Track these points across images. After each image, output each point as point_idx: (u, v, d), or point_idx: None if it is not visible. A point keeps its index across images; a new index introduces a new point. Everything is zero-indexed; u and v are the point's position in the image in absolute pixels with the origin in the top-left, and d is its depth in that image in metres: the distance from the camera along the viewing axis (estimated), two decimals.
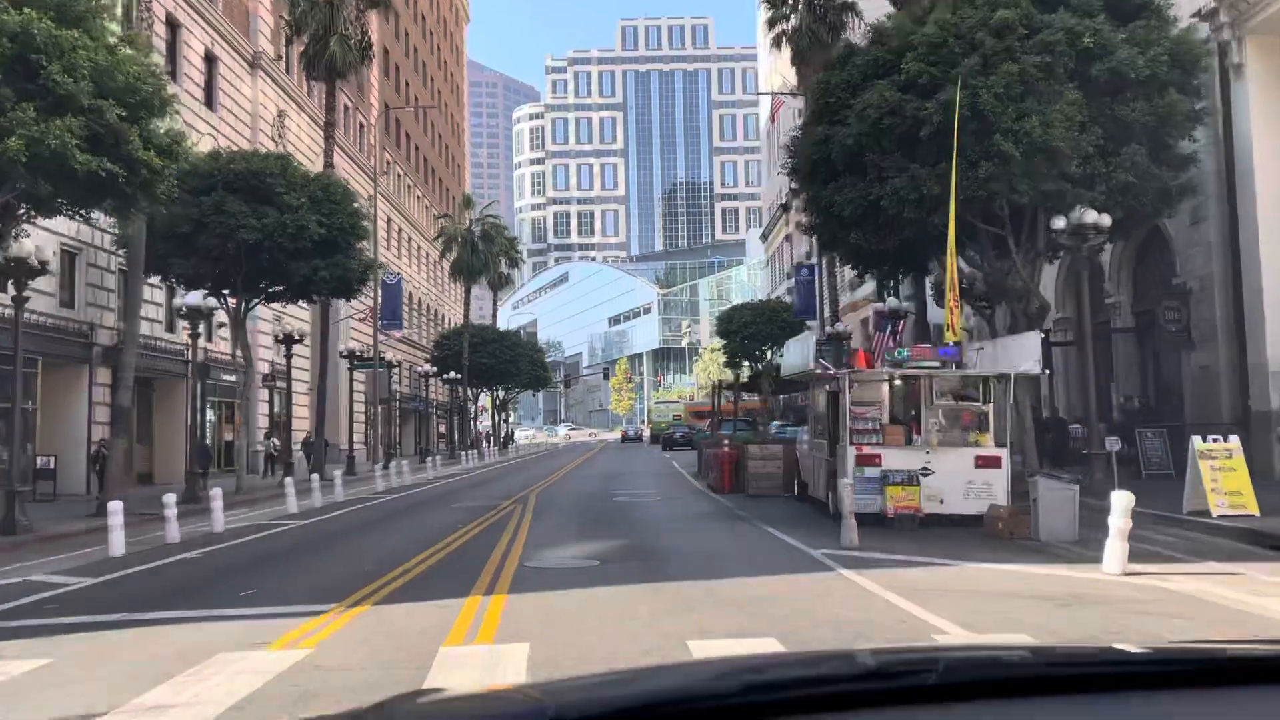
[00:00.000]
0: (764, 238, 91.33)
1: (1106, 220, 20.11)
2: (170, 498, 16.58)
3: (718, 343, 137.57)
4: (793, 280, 77.62)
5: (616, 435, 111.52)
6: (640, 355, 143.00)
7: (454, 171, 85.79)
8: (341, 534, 16.83)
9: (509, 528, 15.56)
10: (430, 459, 41.34)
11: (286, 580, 11.52)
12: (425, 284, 74.45)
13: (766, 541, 13.45)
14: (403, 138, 68.73)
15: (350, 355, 41.11)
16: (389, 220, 63.77)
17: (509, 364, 68.73)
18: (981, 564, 10.88)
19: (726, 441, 22.48)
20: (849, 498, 12.62)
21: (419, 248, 72.16)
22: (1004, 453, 14.72)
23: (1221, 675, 1.79)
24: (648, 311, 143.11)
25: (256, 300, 32.02)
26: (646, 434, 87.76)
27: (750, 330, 63.65)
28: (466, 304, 65.13)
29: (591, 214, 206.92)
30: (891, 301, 33.06)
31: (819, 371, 15.44)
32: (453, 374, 62.06)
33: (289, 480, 22.87)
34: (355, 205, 31.54)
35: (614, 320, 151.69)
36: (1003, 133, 19.08)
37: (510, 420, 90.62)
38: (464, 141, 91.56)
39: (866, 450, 14.59)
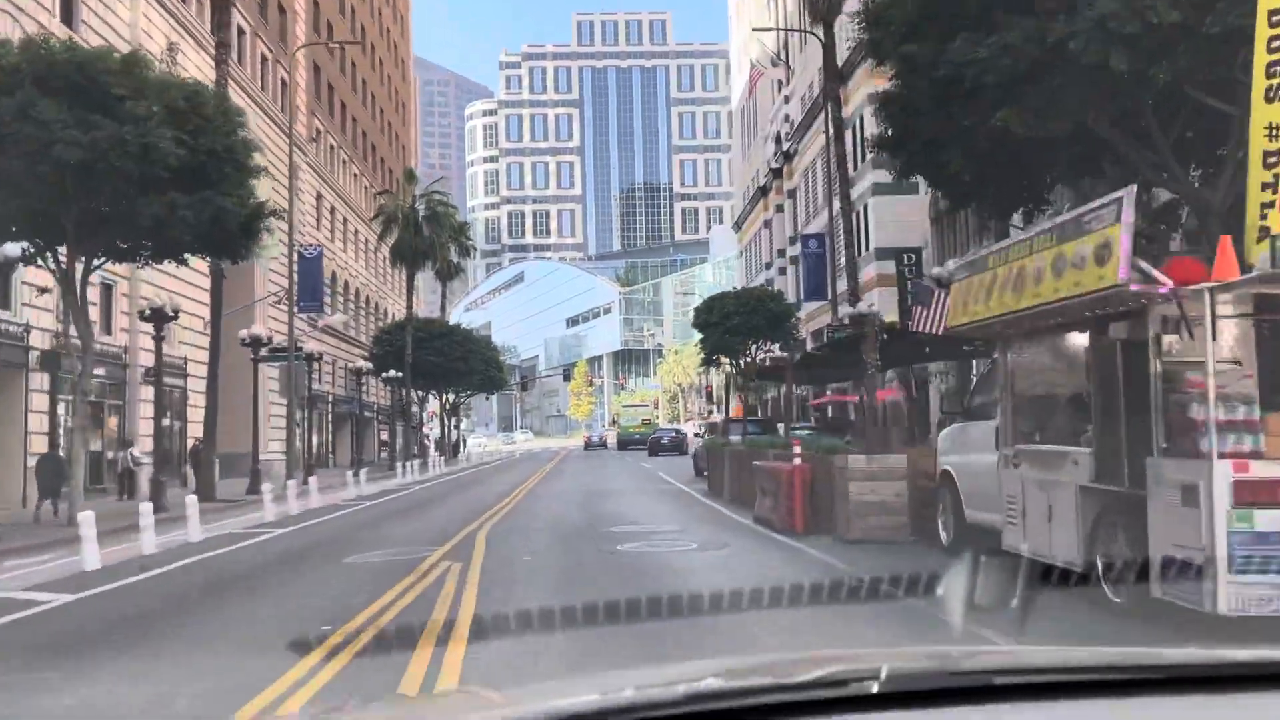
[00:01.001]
0: (737, 226, 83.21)
1: None
2: None
3: (681, 344, 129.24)
4: (773, 270, 69.35)
5: (575, 442, 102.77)
6: (600, 358, 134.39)
7: (398, 152, 76.71)
8: (78, 648, 8.10)
9: (422, 642, 6.89)
10: (357, 473, 32.60)
11: None
12: (364, 272, 65.37)
13: None
14: (336, 106, 59.70)
15: (255, 343, 32.12)
16: (319, 196, 54.79)
17: (459, 362, 59.85)
18: None
19: (799, 451, 13.91)
20: None
21: (356, 231, 63.12)
22: None
23: (1188, 683, 1.78)
24: (608, 311, 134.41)
25: (103, 258, 23.16)
26: (612, 440, 79.13)
27: (733, 322, 55.37)
28: (409, 292, 56.20)
29: (547, 213, 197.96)
30: (948, 266, 24.87)
31: (1136, 287, 6.71)
32: (393, 373, 53.14)
33: (86, 517, 14.03)
34: (241, 130, 22.69)
35: (572, 321, 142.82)
36: None
37: (462, 426, 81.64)
38: (410, 120, 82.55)
39: (1260, 471, 6.20)
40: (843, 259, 40.75)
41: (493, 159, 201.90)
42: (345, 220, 60.65)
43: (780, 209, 68.11)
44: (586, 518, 17.90)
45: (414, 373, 58.43)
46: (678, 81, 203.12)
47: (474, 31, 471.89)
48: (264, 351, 33.51)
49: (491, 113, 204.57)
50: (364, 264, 65.22)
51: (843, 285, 42.99)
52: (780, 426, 36.82)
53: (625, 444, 71.00)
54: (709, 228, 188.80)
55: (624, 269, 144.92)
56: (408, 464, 40.88)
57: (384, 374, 54.86)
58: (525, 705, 1.75)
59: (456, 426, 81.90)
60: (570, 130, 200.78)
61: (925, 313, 28.58)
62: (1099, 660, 1.92)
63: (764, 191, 72.35)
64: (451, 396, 73.96)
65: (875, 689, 1.63)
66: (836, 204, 38.94)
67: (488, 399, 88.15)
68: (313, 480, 27.85)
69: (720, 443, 25.78)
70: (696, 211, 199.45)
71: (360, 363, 50.78)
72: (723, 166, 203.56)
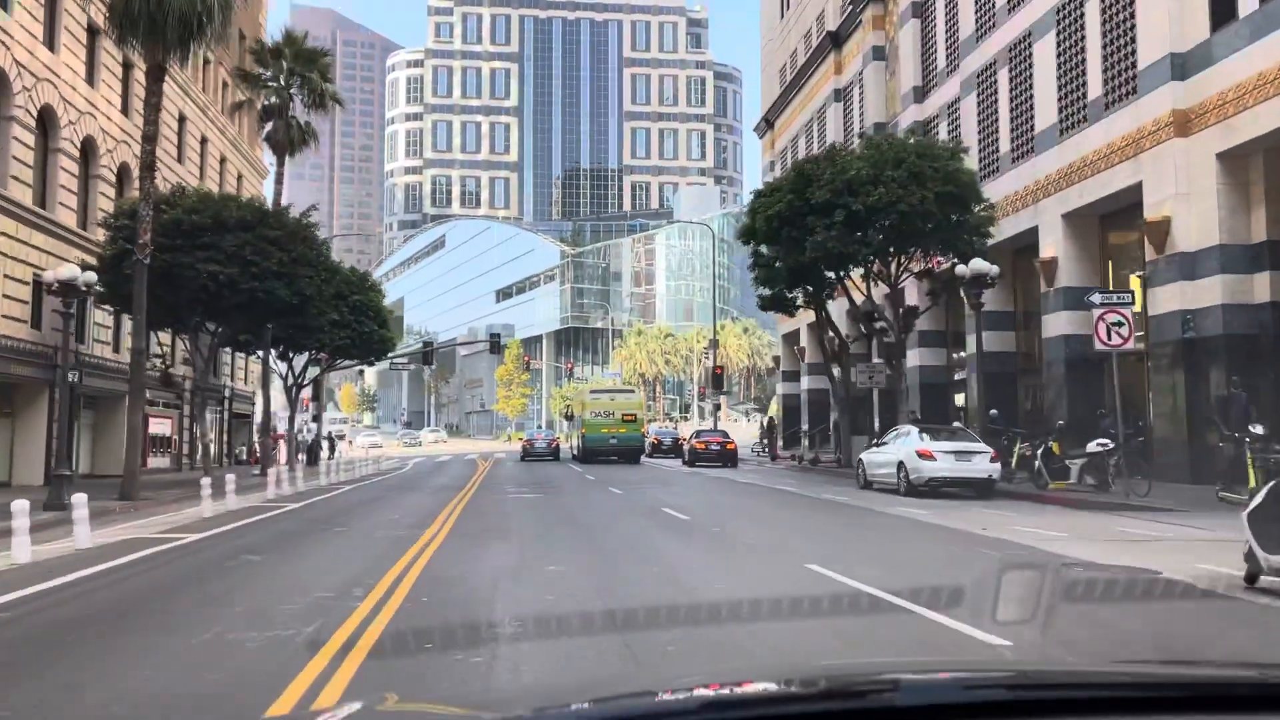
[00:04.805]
0: (768, 124, 52.41)
1: None
2: None
3: (642, 324, 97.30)
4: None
5: (504, 447, 71.38)
6: (539, 339, 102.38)
7: None
8: None
9: None
10: None
11: None
12: (96, 100, 33.22)
13: None
14: None
15: None
16: None
17: (276, 281, 28.11)
18: None
19: None
20: None
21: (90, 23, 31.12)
22: None
23: (1200, 703, 1.63)
24: (550, 279, 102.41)
25: None
26: (569, 446, 47.93)
27: (869, 201, 24.52)
28: (152, 109, 24.19)
29: (477, 180, 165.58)
30: None
31: None
32: (82, 278, 21.33)
33: None
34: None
35: (504, 294, 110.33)
36: None
37: (323, 416, 49.29)
38: None
39: None
40: None
41: (416, 116, 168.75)
42: None
43: (879, 54, 37.70)
44: None
45: (180, 294, 27.10)
46: (632, 39, 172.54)
47: None
48: None
49: (417, 64, 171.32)
50: (112, 91, 33.09)
51: None
52: None
53: (594, 453, 39.84)
54: (661, 203, 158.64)
55: (570, 231, 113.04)
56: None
57: (86, 284, 22.95)
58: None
59: (316, 417, 49.74)
60: (507, 87, 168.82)
61: None
62: (1116, 679, 1.85)
63: (836, 41, 41.85)
64: (300, 362, 42.32)
65: (898, 701, 1.58)
66: None
67: (361, 372, 56.14)
68: None
69: None
70: (648, 187, 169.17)
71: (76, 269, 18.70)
72: (679, 138, 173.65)
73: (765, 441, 44.43)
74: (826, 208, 24.69)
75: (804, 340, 45.71)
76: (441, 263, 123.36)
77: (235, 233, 27.74)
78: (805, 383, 45.99)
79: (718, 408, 51.80)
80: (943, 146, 25.50)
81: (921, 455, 19.33)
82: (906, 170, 24.14)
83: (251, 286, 27.55)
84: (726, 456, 37.93)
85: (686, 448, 40.71)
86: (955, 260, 25.69)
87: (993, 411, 25.51)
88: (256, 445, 46.54)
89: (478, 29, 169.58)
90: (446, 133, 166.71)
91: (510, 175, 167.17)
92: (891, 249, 25.45)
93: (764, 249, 29.78)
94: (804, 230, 25.37)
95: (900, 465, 19.89)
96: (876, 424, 36.39)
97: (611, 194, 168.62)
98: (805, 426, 45.26)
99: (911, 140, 25.18)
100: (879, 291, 28.53)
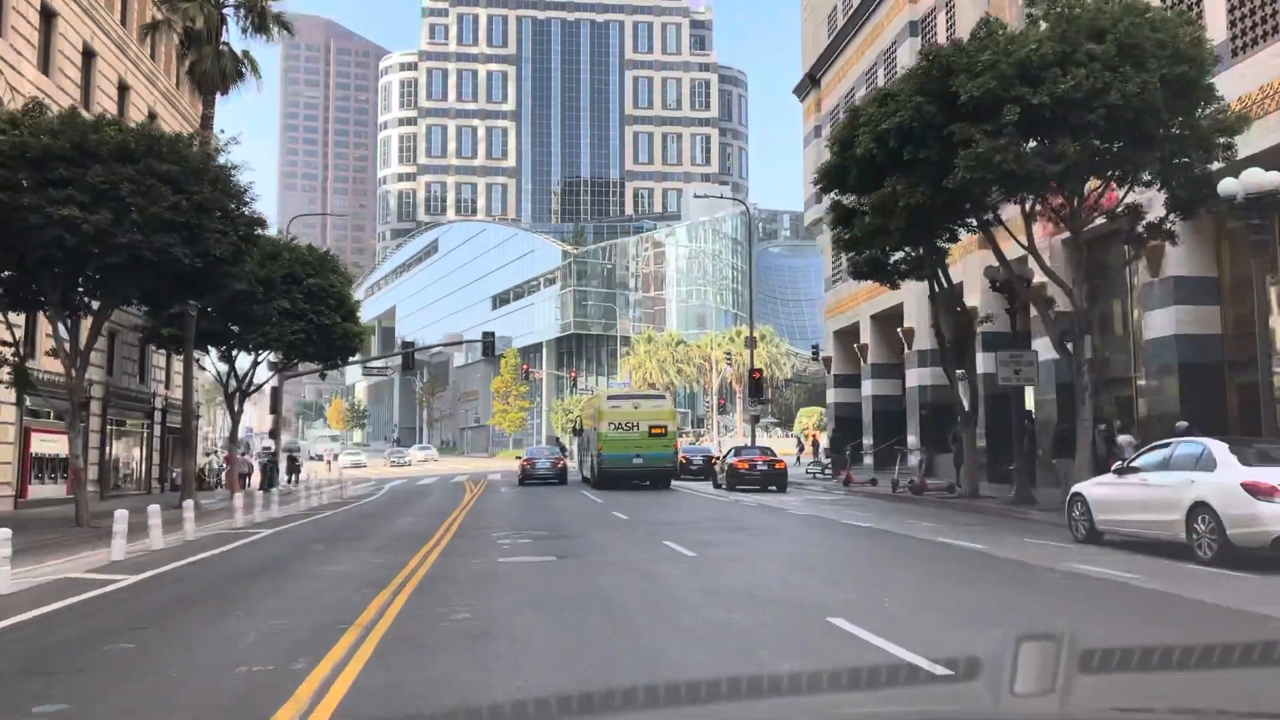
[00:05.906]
0: (813, 81, 43.56)
1: None
2: None
3: (651, 330, 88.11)
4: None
5: (500, 465, 62.64)
6: (539, 347, 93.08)
7: None
8: None
9: None
10: None
11: None
12: None
13: None
14: None
15: None
16: None
17: (177, 234, 19.27)
18: None
19: None
20: None
21: None
22: None
23: None
24: (551, 282, 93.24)
25: None
26: (580, 466, 38.81)
27: (1061, 90, 15.71)
28: None
29: (474, 186, 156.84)
30: None
31: None
32: None
33: None
34: None
35: (501, 300, 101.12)
36: None
37: (274, 434, 40.13)
38: None
39: None
40: None
41: (410, 121, 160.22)
42: None
43: None
44: None
45: (27, 250, 18.34)
46: (634, 41, 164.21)
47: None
48: None
49: (411, 67, 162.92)
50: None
51: None
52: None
53: (615, 477, 30.91)
54: (664, 209, 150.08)
55: (573, 232, 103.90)
56: None
57: None
58: None
59: (273, 433, 40.74)
60: (504, 90, 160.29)
61: None
62: None
63: None
64: (241, 358, 33.53)
65: None
66: None
67: (323, 375, 47.20)
68: None
69: None
70: (651, 193, 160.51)
71: None
72: (683, 143, 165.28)
73: (827, 461, 35.51)
74: (986, 106, 15.90)
75: (866, 335, 36.94)
76: (434, 269, 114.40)
77: (109, 165, 18.88)
78: (868, 388, 37.10)
79: (756, 420, 42.90)
80: (1159, 8, 16.72)
81: (1254, 491, 10.49)
82: (1114, 43, 15.40)
83: (133, 241, 18.63)
84: (774, 478, 29.65)
85: (723, 468, 32.09)
86: (1162, 189, 17.02)
87: (1180, 424, 16.87)
88: (213, 463, 37.83)
89: (473, 30, 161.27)
90: (441, 138, 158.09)
91: (508, 181, 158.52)
92: (1090, 167, 16.60)
93: (845, 201, 21.35)
94: (946, 145, 16.55)
95: (1199, 509, 11.03)
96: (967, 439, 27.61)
97: (613, 200, 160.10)
98: (870, 441, 36.37)
99: (1111, 2, 16.37)
100: (1045, 241, 19.79)
